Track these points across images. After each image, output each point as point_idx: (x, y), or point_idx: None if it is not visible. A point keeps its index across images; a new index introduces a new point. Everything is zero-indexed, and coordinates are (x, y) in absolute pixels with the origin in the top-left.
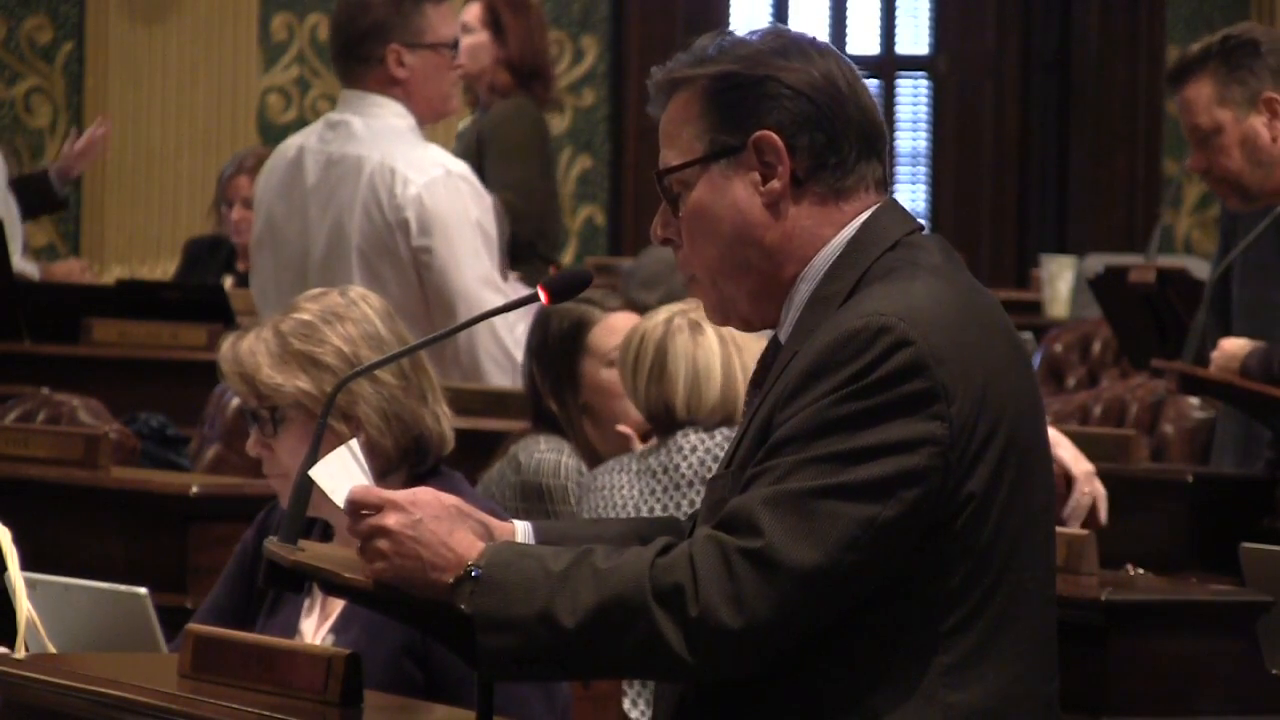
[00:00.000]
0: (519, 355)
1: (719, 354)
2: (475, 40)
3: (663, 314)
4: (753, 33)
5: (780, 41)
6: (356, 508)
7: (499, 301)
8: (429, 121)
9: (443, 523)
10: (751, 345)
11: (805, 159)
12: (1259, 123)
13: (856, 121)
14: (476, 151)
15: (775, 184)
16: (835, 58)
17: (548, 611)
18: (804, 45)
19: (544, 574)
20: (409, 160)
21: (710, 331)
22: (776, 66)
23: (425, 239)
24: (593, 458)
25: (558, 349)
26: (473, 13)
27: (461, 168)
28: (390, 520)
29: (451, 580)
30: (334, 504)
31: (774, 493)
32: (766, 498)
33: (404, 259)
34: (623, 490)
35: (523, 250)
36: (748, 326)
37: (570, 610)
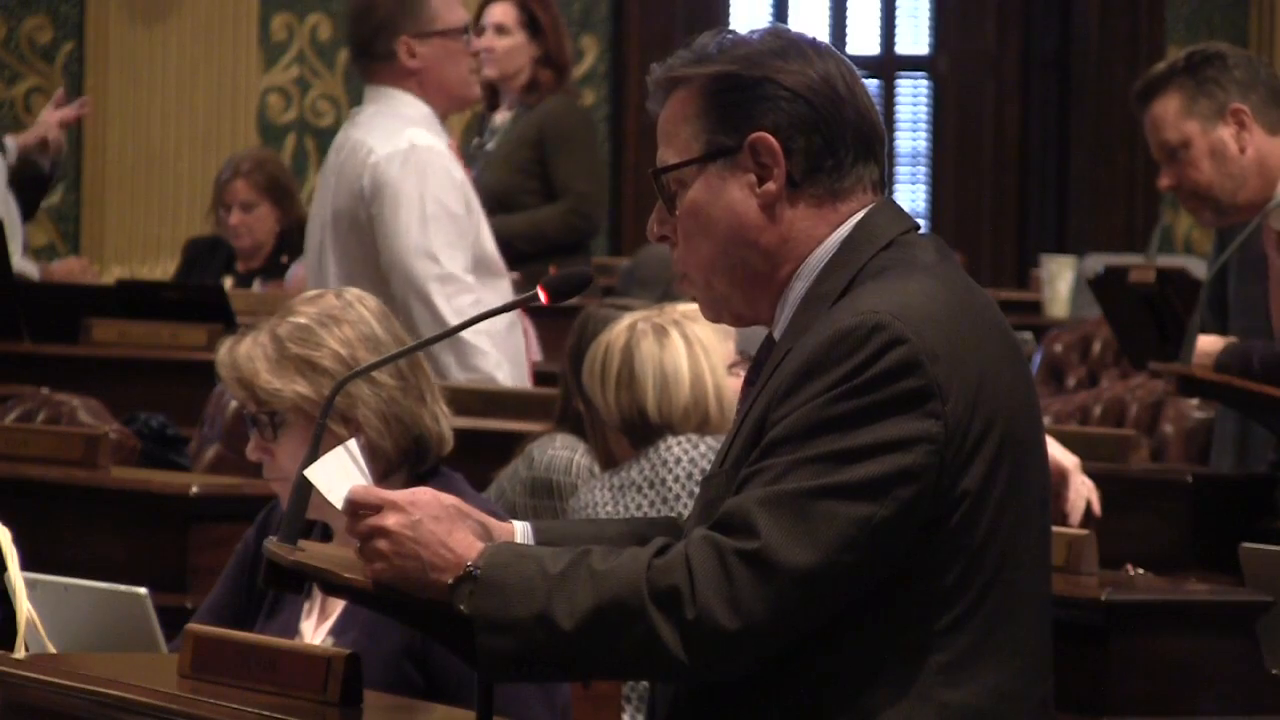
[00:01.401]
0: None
1: (685, 355)
2: (512, 41)
3: (625, 321)
4: (753, 32)
5: (780, 42)
6: (355, 508)
7: (434, 272)
8: (452, 110)
9: (442, 523)
10: (718, 346)
11: (801, 161)
12: (1227, 134)
13: (854, 124)
14: (534, 145)
15: (771, 186)
16: (835, 59)
17: (545, 613)
18: (803, 46)
19: (542, 575)
20: (383, 135)
21: (675, 335)
22: (775, 68)
23: (374, 207)
24: (607, 462)
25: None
26: (505, 14)
27: (432, 144)
28: (390, 521)
29: (451, 581)
30: (334, 506)
31: (769, 493)
32: (762, 498)
33: (365, 229)
34: (606, 507)
35: (593, 237)
36: (739, 322)
37: (568, 612)
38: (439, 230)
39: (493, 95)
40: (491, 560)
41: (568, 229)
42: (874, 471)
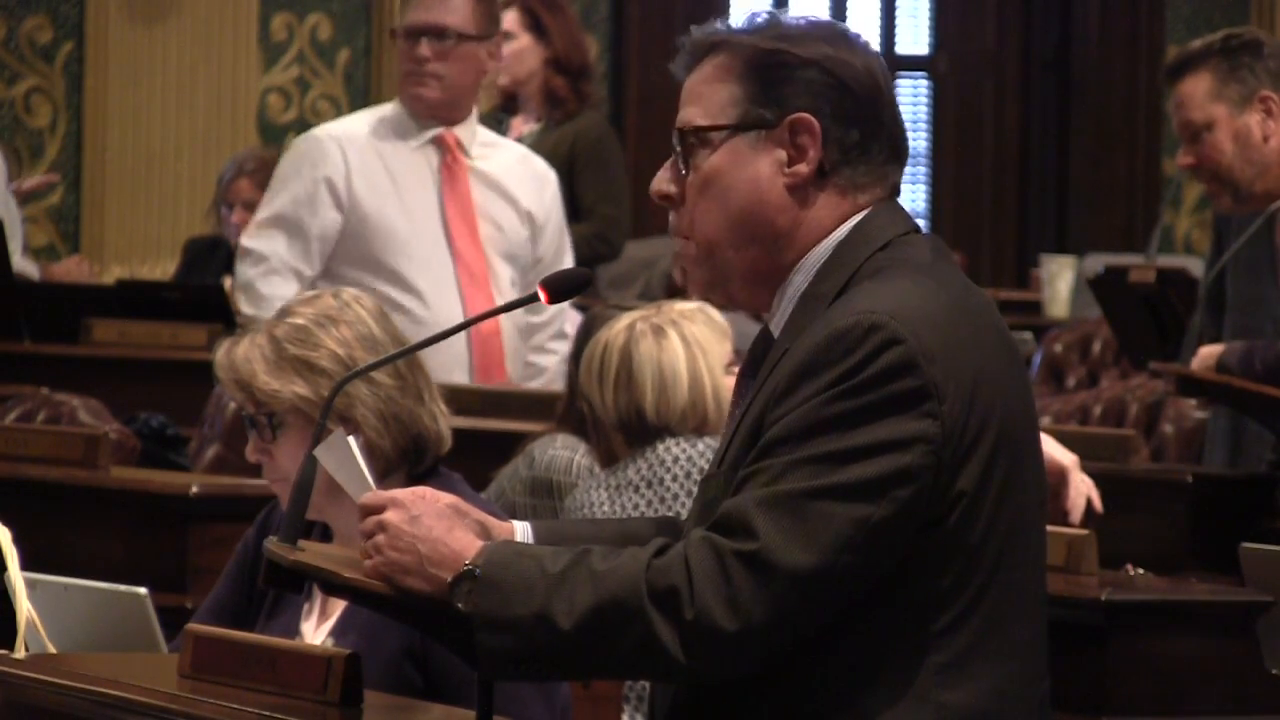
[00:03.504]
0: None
1: (684, 356)
2: (518, 45)
3: (624, 321)
4: (799, 16)
5: (829, 30)
6: (364, 511)
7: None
8: (416, 112)
9: (442, 520)
10: (715, 346)
11: (835, 151)
12: (1253, 121)
13: (888, 125)
14: (563, 161)
15: (802, 168)
16: (877, 56)
17: (545, 612)
18: (850, 38)
19: (541, 575)
20: None
21: (673, 335)
22: (825, 53)
23: None
24: (608, 462)
25: None
26: (510, 19)
27: (324, 132)
28: (389, 516)
29: (450, 578)
30: (335, 506)
31: (767, 494)
32: (760, 499)
33: None
34: (603, 507)
35: (613, 261)
36: (731, 304)
37: (567, 612)
38: (263, 209)
39: (509, 101)
40: (491, 559)
41: (591, 253)
42: (871, 472)
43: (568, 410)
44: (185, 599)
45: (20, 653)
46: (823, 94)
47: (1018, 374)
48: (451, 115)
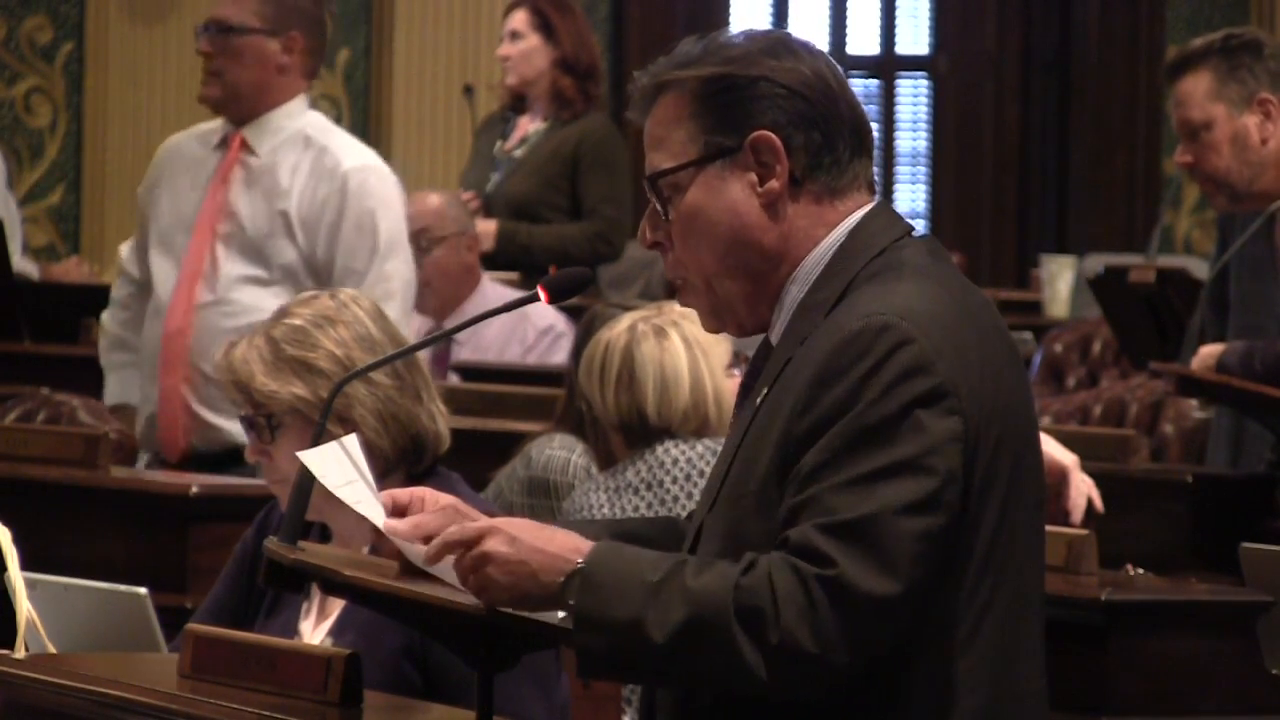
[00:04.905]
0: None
1: (685, 358)
2: (527, 45)
3: (625, 321)
4: (736, 34)
5: (768, 41)
6: (454, 548)
7: None
8: None
9: (527, 530)
10: (716, 348)
11: (802, 158)
12: (1251, 122)
13: (849, 120)
14: (567, 161)
15: (774, 184)
16: (822, 55)
17: (639, 621)
18: (791, 44)
19: (640, 582)
20: None
21: (675, 336)
22: (769, 66)
23: None
24: (606, 462)
25: None
26: (519, 19)
27: (169, 139)
28: (491, 546)
29: (563, 579)
30: (334, 506)
31: (831, 523)
32: (824, 528)
33: None
34: (602, 509)
35: (613, 262)
36: (742, 331)
37: (659, 624)
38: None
39: (517, 101)
40: (594, 558)
41: (592, 252)
42: (927, 486)
43: (566, 410)
44: (185, 599)
45: (20, 653)
46: (777, 107)
47: (1019, 374)
48: (239, 113)
